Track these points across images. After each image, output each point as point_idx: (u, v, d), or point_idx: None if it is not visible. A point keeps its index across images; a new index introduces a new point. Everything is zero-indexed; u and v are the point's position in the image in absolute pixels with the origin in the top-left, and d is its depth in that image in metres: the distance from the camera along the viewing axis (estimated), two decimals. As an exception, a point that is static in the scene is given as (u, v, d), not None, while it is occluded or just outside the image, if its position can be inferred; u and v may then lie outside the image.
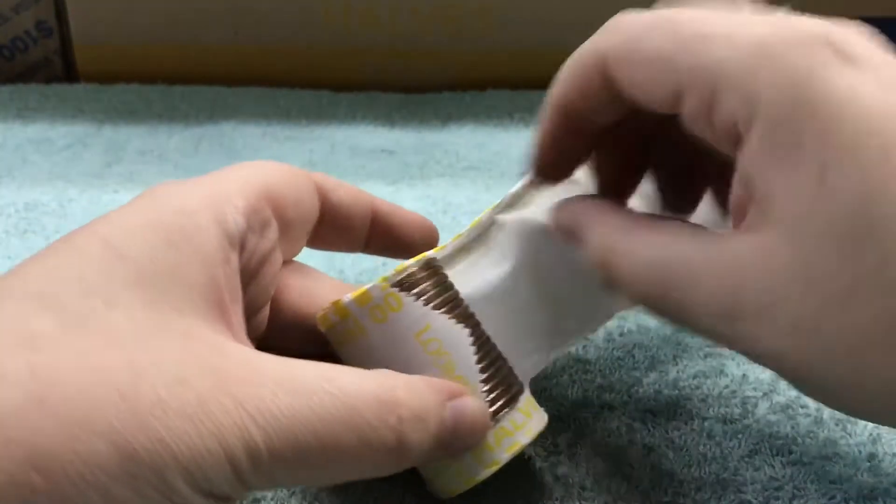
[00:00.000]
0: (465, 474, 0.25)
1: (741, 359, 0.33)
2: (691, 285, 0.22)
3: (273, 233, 0.25)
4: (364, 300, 0.25)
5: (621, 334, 0.34)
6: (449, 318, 0.25)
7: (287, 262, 0.27)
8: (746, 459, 0.29)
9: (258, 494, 0.28)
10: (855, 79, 0.20)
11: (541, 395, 0.28)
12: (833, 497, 0.28)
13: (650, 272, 0.23)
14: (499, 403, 0.25)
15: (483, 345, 0.26)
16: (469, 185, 0.44)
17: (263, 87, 0.52)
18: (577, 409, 0.31)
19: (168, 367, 0.19)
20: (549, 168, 0.28)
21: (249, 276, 0.24)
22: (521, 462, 0.28)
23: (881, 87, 0.20)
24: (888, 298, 0.19)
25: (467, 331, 0.25)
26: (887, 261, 0.19)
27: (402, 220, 0.29)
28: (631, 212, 0.26)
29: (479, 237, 0.29)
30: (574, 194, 0.28)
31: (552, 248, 0.28)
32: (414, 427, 0.22)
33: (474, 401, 0.24)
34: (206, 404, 0.19)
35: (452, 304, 0.26)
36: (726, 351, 0.33)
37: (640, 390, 0.32)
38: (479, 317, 0.26)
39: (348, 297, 0.25)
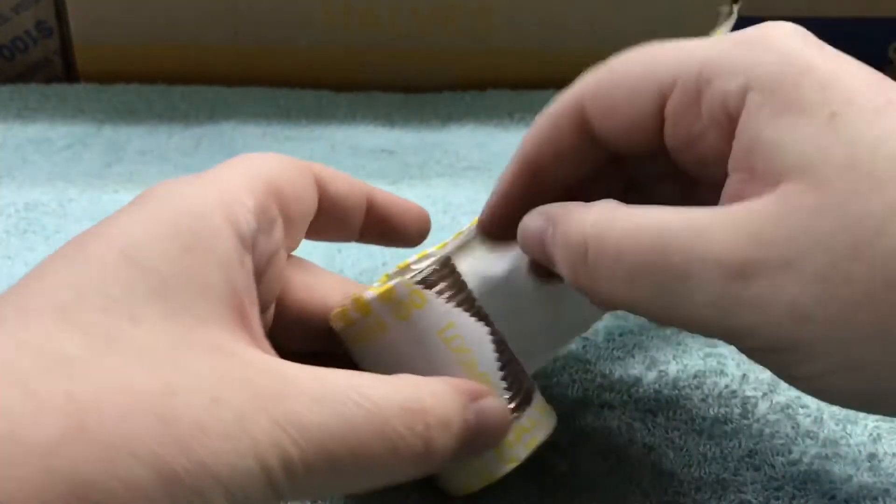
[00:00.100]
0: (484, 472, 0.25)
1: (741, 359, 0.33)
2: (698, 243, 0.21)
3: (279, 231, 0.25)
4: (388, 297, 0.24)
5: (621, 334, 0.34)
6: (470, 316, 0.25)
7: (288, 257, 0.27)
8: (746, 459, 0.29)
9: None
10: (832, 53, 0.22)
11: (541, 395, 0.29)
12: (833, 497, 0.28)
13: (644, 235, 0.22)
14: (517, 400, 0.25)
15: (500, 342, 0.26)
16: (469, 185, 0.44)
17: (263, 87, 0.52)
18: (577, 408, 0.31)
19: (202, 386, 0.19)
20: (498, 228, 0.28)
21: (258, 275, 0.24)
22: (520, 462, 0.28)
23: (859, 67, 0.21)
24: None
25: (487, 328, 0.25)
26: None
27: (397, 209, 0.29)
28: (610, 200, 0.25)
29: (478, 236, 0.29)
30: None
31: None
32: (441, 433, 0.22)
33: (496, 400, 0.24)
34: (243, 422, 0.19)
35: (470, 301, 0.26)
36: (726, 350, 0.33)
37: (640, 390, 0.32)
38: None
39: (371, 293, 0.25)
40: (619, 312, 0.34)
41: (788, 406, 0.31)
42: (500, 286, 0.28)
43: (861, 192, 0.19)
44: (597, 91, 0.25)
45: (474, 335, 0.25)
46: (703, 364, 0.32)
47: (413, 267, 0.28)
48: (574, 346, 0.33)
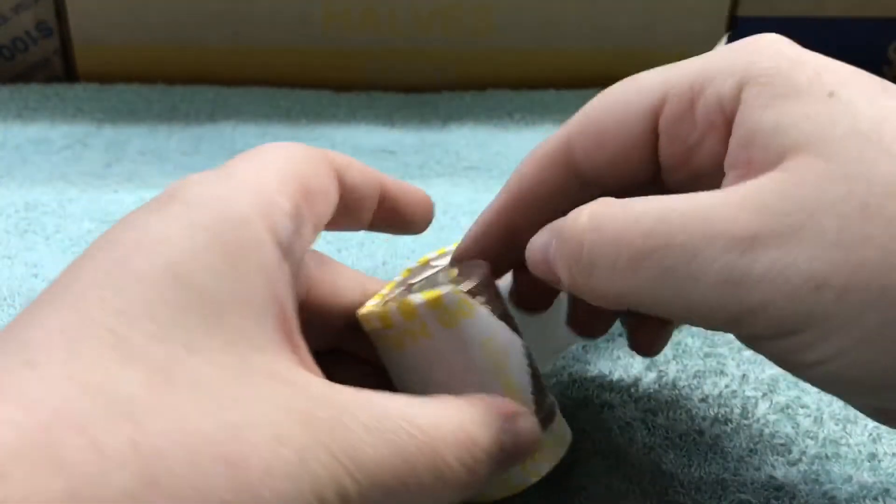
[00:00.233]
0: (505, 486, 0.25)
1: (741, 358, 0.33)
2: (703, 221, 0.20)
3: (308, 232, 0.24)
4: (436, 304, 0.24)
5: (621, 334, 0.34)
6: (509, 329, 0.25)
7: None
8: (746, 459, 0.29)
9: None
10: (819, 54, 0.22)
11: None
12: (833, 497, 0.28)
13: (645, 220, 0.21)
14: (543, 415, 0.25)
15: (531, 356, 0.25)
16: (469, 185, 0.44)
17: (263, 87, 0.52)
18: (577, 408, 0.31)
19: (264, 424, 0.19)
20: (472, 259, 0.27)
21: (292, 280, 0.23)
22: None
23: (846, 65, 0.22)
24: None
25: (521, 342, 0.25)
26: None
27: (405, 197, 0.28)
28: (603, 198, 0.24)
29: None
30: None
31: None
32: (484, 462, 0.22)
33: (529, 419, 0.24)
34: (305, 462, 0.19)
35: (507, 314, 0.25)
36: (726, 350, 0.33)
37: (640, 390, 0.32)
38: None
39: (420, 298, 0.24)
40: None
41: (788, 406, 0.31)
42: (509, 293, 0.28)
43: (868, 159, 0.19)
44: (584, 125, 0.25)
45: (512, 348, 0.25)
46: (703, 364, 0.32)
47: (433, 264, 0.28)
48: (574, 346, 0.33)
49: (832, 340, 0.19)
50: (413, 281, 0.27)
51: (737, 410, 0.31)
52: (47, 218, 0.41)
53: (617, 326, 0.34)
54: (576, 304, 0.29)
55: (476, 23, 0.52)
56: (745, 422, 0.30)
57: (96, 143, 0.47)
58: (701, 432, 0.30)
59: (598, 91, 0.25)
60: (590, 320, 0.29)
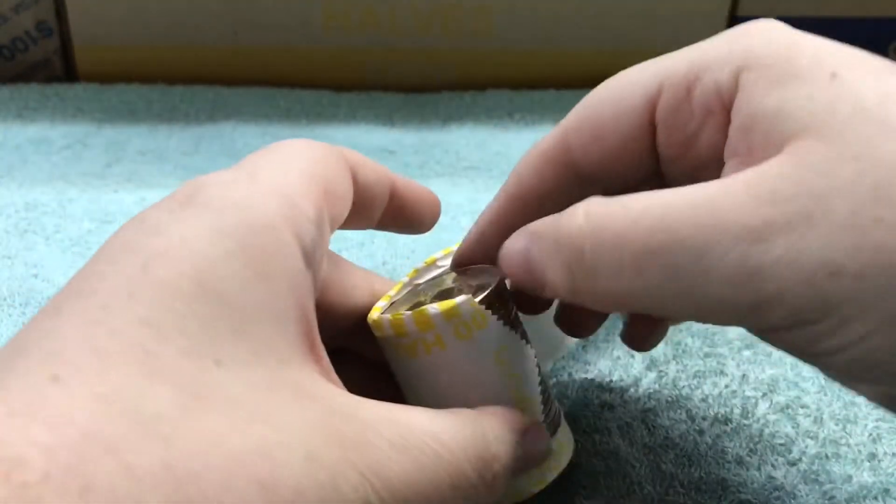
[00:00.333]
0: (512, 493, 0.25)
1: (741, 358, 0.33)
2: (709, 213, 0.19)
3: (328, 235, 0.23)
4: (452, 314, 0.24)
5: (621, 334, 0.34)
6: (520, 338, 0.25)
7: None
8: (746, 459, 0.29)
9: None
10: (814, 36, 0.22)
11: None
12: (833, 497, 0.28)
13: (647, 217, 0.20)
14: (550, 423, 0.25)
15: (539, 365, 0.25)
16: (469, 185, 0.44)
17: (263, 87, 0.52)
18: (577, 408, 0.31)
19: (295, 442, 0.18)
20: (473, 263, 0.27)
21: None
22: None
23: (844, 45, 0.22)
24: None
25: (532, 350, 0.25)
26: None
27: (414, 196, 0.28)
28: (595, 197, 0.23)
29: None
30: None
31: None
32: (504, 477, 0.22)
33: (540, 430, 0.24)
34: (336, 482, 0.19)
35: (518, 322, 0.25)
36: (726, 350, 0.33)
37: (640, 390, 0.32)
38: None
39: (435, 308, 0.24)
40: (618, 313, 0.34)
41: (788, 406, 0.31)
42: None
43: (875, 139, 0.19)
44: (580, 121, 0.25)
45: (524, 358, 0.25)
46: (703, 364, 0.32)
47: (440, 264, 0.28)
48: (574, 346, 0.33)
49: (852, 326, 0.19)
50: (419, 281, 0.27)
51: (737, 410, 0.31)
52: (47, 218, 0.41)
53: (616, 327, 0.34)
54: (564, 303, 0.29)
55: (476, 23, 0.52)
56: (745, 422, 0.30)
57: (96, 143, 0.47)
58: (701, 432, 0.30)
59: (598, 91, 0.25)
60: (580, 319, 0.28)
